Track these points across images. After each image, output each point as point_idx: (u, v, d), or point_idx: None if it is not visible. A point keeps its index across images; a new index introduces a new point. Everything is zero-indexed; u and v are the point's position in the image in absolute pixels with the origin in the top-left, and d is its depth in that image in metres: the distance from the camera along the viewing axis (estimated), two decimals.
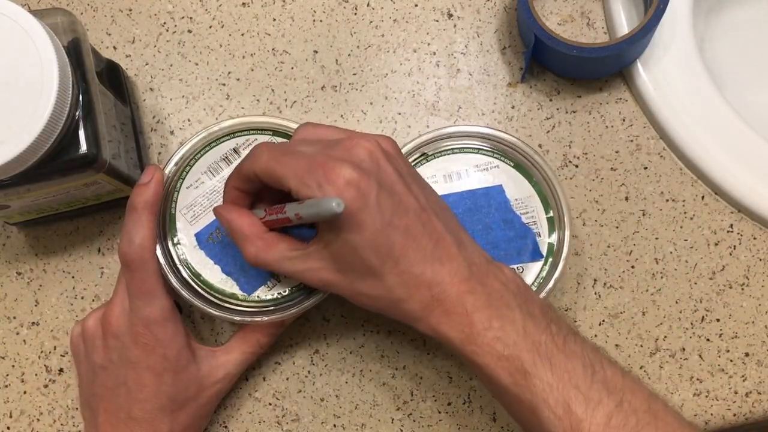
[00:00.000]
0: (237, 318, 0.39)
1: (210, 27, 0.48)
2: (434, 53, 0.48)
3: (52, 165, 0.35)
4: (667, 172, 0.46)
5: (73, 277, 0.45)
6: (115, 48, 0.48)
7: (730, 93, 0.48)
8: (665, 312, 0.45)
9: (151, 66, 0.48)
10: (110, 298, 0.39)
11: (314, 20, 0.49)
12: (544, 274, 0.40)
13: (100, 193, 0.41)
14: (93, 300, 0.45)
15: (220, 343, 0.44)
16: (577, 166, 0.47)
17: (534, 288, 0.40)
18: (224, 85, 0.48)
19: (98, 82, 0.38)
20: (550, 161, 0.46)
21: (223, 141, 0.42)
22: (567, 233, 0.41)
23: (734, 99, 0.47)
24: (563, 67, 0.47)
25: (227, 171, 0.41)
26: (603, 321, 0.45)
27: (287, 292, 0.39)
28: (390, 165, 0.34)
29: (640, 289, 0.45)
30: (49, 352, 0.45)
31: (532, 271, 0.40)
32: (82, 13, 0.48)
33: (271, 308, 0.39)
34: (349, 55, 0.48)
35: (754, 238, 0.46)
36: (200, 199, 0.41)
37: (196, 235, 0.40)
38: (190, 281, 0.40)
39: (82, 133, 0.36)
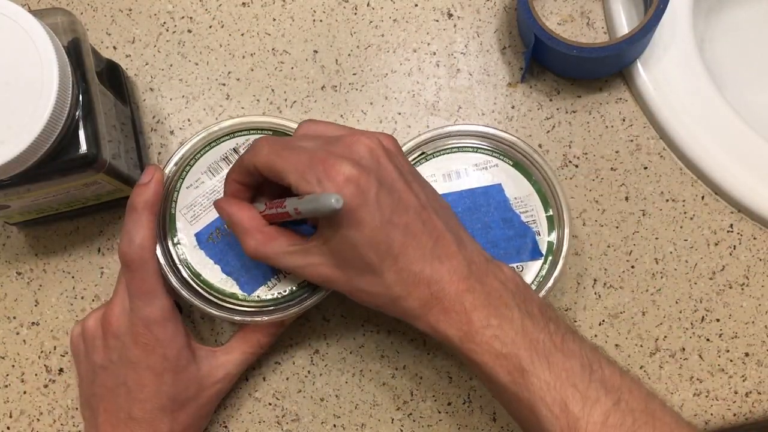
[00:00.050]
0: (237, 318, 0.39)
1: (210, 27, 0.49)
2: (434, 53, 0.48)
3: (52, 165, 0.35)
4: (667, 172, 0.46)
5: (73, 277, 0.45)
6: (115, 48, 0.48)
7: (730, 93, 0.48)
8: (665, 312, 0.45)
9: (151, 66, 0.48)
10: (110, 298, 0.40)
11: (314, 20, 0.49)
12: (543, 272, 0.40)
13: (100, 193, 0.41)
14: (93, 300, 0.45)
15: (220, 343, 0.44)
16: (577, 166, 0.47)
17: (534, 287, 0.40)
18: (224, 85, 0.48)
19: (98, 82, 0.38)
20: (550, 161, 0.46)
21: (223, 141, 0.42)
22: (566, 231, 0.41)
23: (734, 99, 0.47)
24: (563, 67, 0.47)
25: (227, 171, 0.41)
26: (603, 321, 0.45)
27: (287, 292, 0.39)
28: (390, 162, 0.34)
29: (640, 289, 0.45)
30: (49, 352, 0.45)
31: (531, 270, 0.41)
32: (82, 13, 0.49)
33: (271, 308, 0.39)
34: (349, 55, 0.48)
35: (754, 238, 0.46)
36: (200, 199, 0.41)
37: (196, 235, 0.40)
38: (190, 281, 0.40)
39: (82, 133, 0.36)
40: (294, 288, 0.40)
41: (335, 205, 0.30)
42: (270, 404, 0.44)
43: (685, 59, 0.46)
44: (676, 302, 0.45)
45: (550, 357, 0.33)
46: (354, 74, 0.48)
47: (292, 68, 0.48)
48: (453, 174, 0.42)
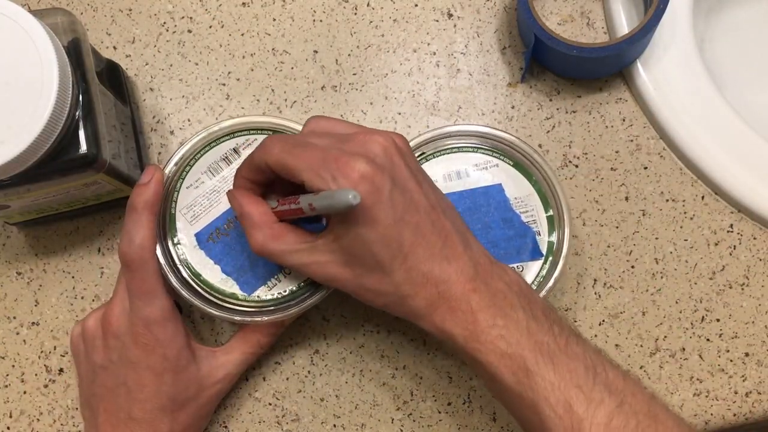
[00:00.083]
0: (237, 318, 0.39)
1: (210, 27, 0.49)
2: (434, 53, 0.48)
3: (52, 165, 0.35)
4: (667, 172, 0.47)
5: (73, 277, 0.45)
6: (115, 48, 0.48)
7: (730, 93, 0.48)
8: (665, 312, 0.45)
9: (151, 66, 0.48)
10: (110, 298, 0.40)
11: (314, 20, 0.49)
12: (544, 272, 0.40)
13: (100, 193, 0.41)
14: (93, 300, 0.45)
15: (220, 343, 0.44)
16: (577, 166, 0.47)
17: (534, 287, 0.40)
18: (224, 85, 0.48)
19: (98, 82, 0.38)
20: (550, 161, 0.46)
21: (223, 141, 0.42)
22: (567, 231, 0.41)
23: (734, 99, 0.47)
24: (563, 67, 0.47)
25: (227, 171, 0.41)
26: (603, 321, 0.45)
27: (287, 292, 0.39)
28: (403, 161, 0.34)
29: (640, 289, 0.45)
30: (49, 352, 0.45)
31: (532, 270, 0.40)
32: (82, 13, 0.49)
33: (271, 308, 0.39)
34: (349, 55, 0.48)
35: (754, 238, 0.46)
36: (200, 199, 0.41)
37: (196, 235, 0.40)
38: (190, 281, 0.40)
39: (82, 133, 0.36)
40: (294, 288, 0.40)
41: (352, 201, 0.30)
42: (270, 404, 0.44)
43: (685, 59, 0.46)
44: (676, 302, 0.45)
45: (555, 358, 0.33)
46: (354, 74, 0.48)
47: (292, 68, 0.48)
48: (453, 174, 0.42)
